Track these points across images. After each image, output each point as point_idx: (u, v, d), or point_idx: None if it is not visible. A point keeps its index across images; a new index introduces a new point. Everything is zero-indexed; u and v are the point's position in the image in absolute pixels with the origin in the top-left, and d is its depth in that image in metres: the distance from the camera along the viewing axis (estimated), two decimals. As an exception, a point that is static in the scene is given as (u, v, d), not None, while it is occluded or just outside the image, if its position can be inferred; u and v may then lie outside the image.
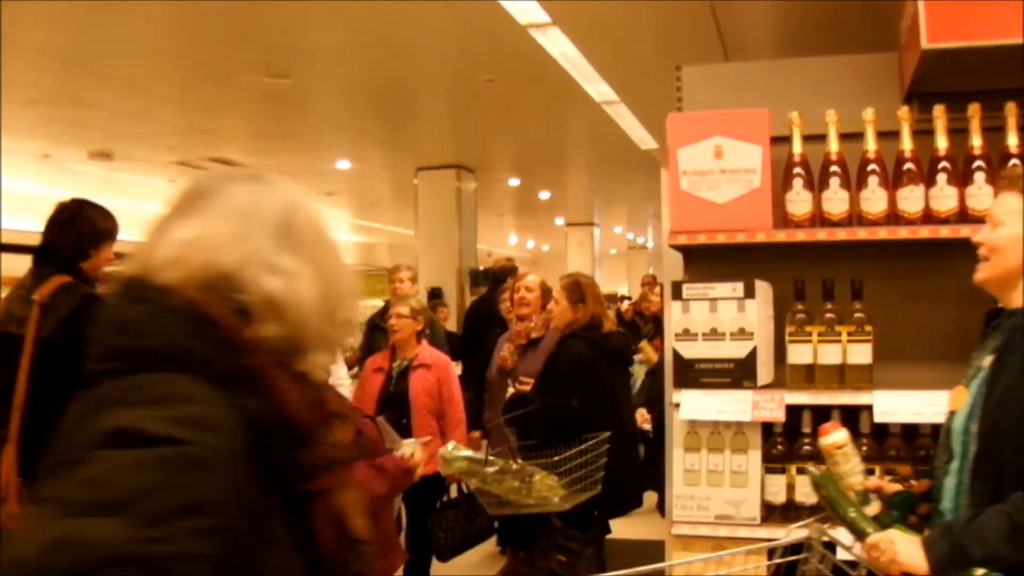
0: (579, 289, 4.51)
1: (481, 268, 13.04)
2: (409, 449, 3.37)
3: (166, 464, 1.02)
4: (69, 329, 3.14)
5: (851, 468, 2.26)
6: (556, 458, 3.78)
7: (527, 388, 4.55)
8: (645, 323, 9.08)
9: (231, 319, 1.18)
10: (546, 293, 5.32)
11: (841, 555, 2.22)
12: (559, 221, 21.80)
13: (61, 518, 0.97)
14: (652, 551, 4.16)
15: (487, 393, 5.68)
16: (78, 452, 1.03)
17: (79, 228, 3.35)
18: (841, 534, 2.22)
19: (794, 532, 2.27)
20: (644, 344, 7.11)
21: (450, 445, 3.93)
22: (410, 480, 3.35)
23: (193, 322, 1.15)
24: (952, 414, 2.20)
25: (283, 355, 1.22)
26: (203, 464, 1.04)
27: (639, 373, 6.62)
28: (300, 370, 1.24)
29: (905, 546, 1.96)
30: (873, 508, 2.24)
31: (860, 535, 2.10)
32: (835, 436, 2.28)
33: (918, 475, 2.46)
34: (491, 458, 3.78)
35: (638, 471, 4.76)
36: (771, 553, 2.46)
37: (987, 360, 2.13)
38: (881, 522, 2.16)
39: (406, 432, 4.47)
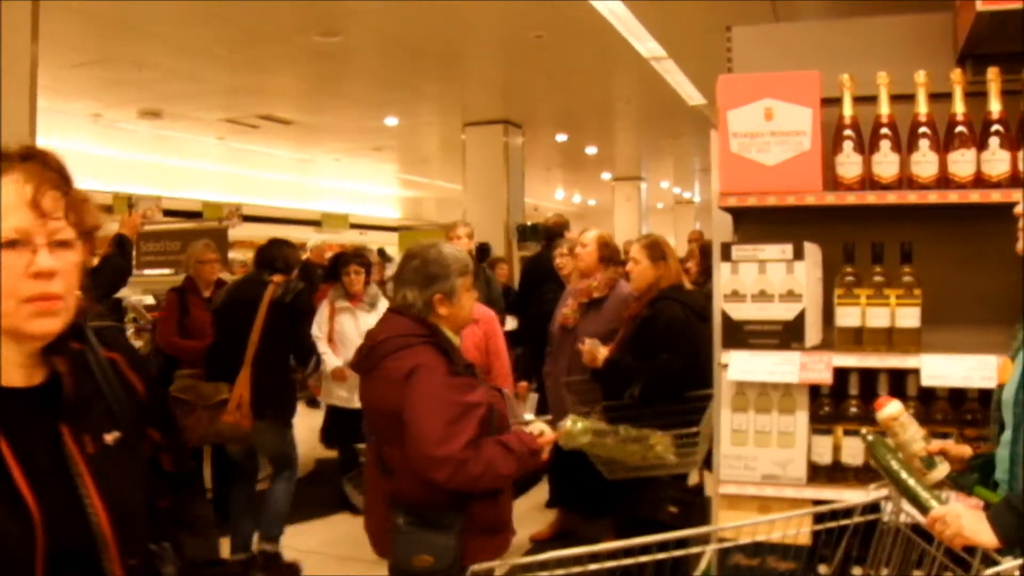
0: (660, 247, 4.47)
1: (528, 223, 13.06)
2: (539, 427, 3.10)
3: None
4: (297, 300, 5.37)
5: (911, 436, 2.24)
6: (686, 431, 3.72)
7: (597, 350, 4.46)
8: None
9: None
10: (603, 247, 5.26)
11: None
12: (606, 176, 21.71)
13: None
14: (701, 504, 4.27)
15: (549, 346, 5.57)
16: None
17: (287, 256, 5.62)
18: None
19: (874, 492, 2.28)
20: None
21: (569, 420, 3.50)
22: (536, 461, 3.02)
23: None
24: (1001, 387, 2.20)
25: None
26: None
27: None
28: None
29: (970, 520, 1.93)
30: (941, 471, 2.21)
31: (922, 508, 2.06)
32: (890, 409, 2.27)
33: (964, 440, 2.46)
34: (611, 427, 3.66)
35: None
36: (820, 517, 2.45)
37: None
38: (960, 484, 2.17)
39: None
